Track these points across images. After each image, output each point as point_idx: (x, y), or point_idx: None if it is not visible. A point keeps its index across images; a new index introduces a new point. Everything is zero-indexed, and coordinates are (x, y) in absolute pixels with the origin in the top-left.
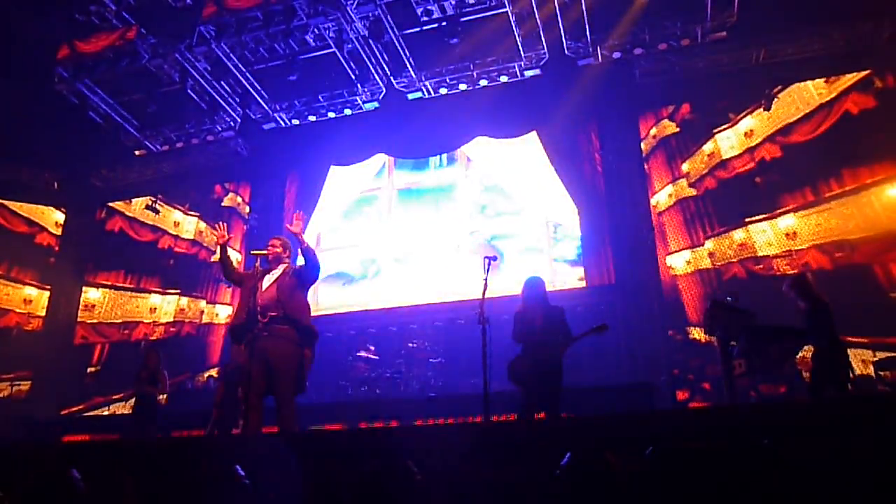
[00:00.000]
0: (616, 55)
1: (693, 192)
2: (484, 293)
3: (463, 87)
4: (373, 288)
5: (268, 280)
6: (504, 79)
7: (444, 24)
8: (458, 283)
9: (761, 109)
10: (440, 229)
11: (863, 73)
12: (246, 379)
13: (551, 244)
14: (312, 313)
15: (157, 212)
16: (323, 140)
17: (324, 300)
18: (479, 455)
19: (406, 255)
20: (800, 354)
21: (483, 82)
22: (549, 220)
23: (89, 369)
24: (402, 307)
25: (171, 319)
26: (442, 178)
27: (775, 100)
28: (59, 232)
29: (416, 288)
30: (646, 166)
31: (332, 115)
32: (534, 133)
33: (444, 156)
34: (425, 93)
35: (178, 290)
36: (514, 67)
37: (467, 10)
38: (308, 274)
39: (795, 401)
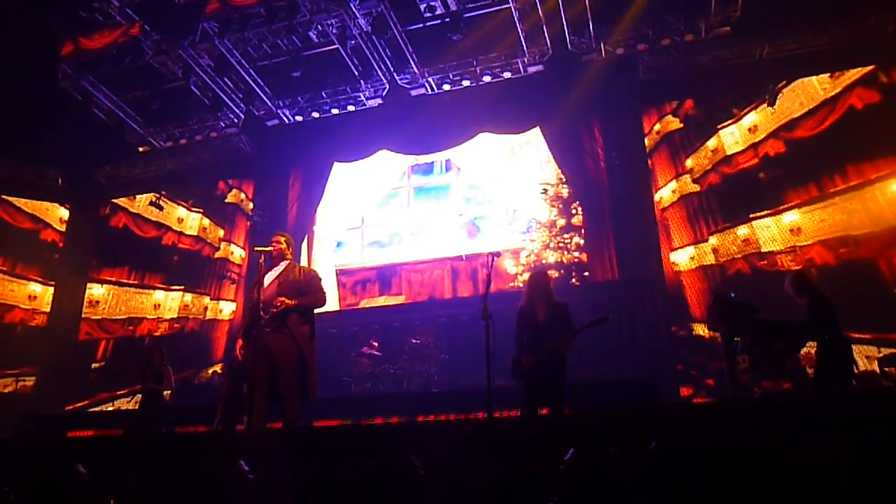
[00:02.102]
0: (619, 50)
1: (697, 187)
2: (487, 289)
3: (466, 83)
4: (397, 250)
5: (270, 276)
6: (507, 75)
7: (446, 19)
8: (451, 246)
9: (765, 105)
10: (440, 213)
11: (867, 68)
12: (250, 375)
13: (510, 222)
14: (359, 266)
15: (160, 208)
16: (326, 136)
17: (366, 258)
18: (482, 450)
19: (418, 229)
20: (804, 350)
21: (486, 78)
22: (509, 207)
23: (94, 365)
24: (404, 305)
25: (176, 316)
26: (442, 180)
27: (779, 95)
28: (63, 228)
29: (423, 250)
30: (649, 162)
31: (335, 111)
32: (509, 144)
33: (443, 164)
34: (428, 89)
35: (183, 287)
36: (518, 63)
37: (470, 5)
38: (316, 304)
39: (799, 397)
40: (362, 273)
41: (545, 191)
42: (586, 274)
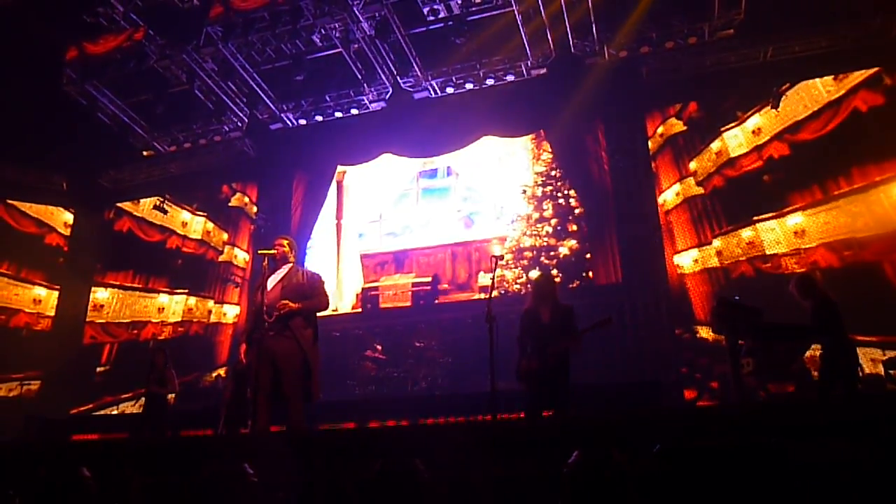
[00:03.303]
0: (622, 53)
1: (700, 190)
2: (491, 291)
3: (469, 86)
4: (408, 238)
5: (273, 279)
6: (510, 78)
7: (450, 23)
8: (451, 235)
9: (769, 107)
10: (442, 209)
11: (872, 70)
12: (253, 378)
13: (498, 216)
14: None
15: (165, 212)
16: (330, 140)
17: (384, 245)
18: (486, 453)
19: (425, 222)
20: (808, 353)
21: (490, 81)
22: (497, 204)
23: (98, 369)
24: (408, 308)
25: (180, 319)
26: (444, 183)
27: (783, 97)
28: (67, 232)
29: (429, 238)
30: (653, 165)
31: (338, 114)
32: (497, 154)
33: (445, 170)
34: (432, 92)
35: (186, 290)
36: (521, 66)
37: (473, 9)
38: (319, 308)
39: (804, 400)
40: (381, 257)
41: (524, 191)
42: (552, 253)
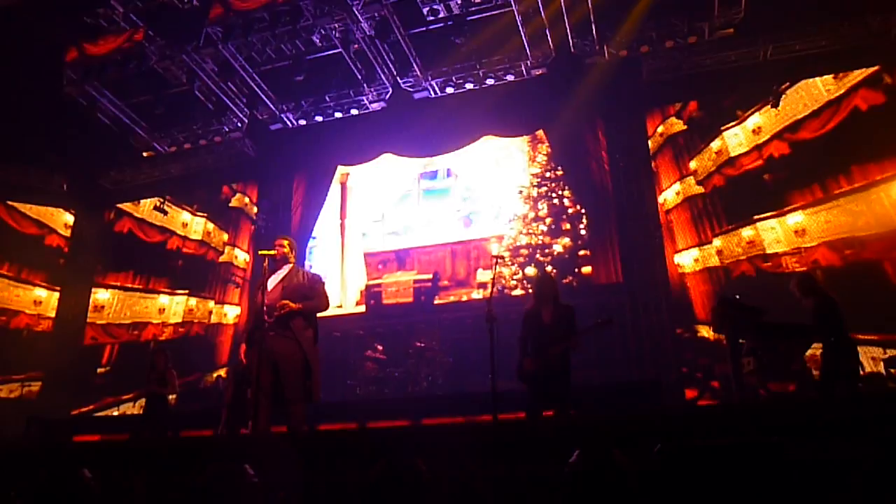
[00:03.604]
0: (622, 53)
1: (701, 189)
2: (492, 291)
3: (469, 86)
4: (409, 238)
5: (273, 280)
6: (510, 77)
7: (450, 23)
8: (450, 234)
9: (769, 106)
10: (443, 209)
11: (872, 69)
12: (254, 379)
13: (496, 216)
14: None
15: (165, 213)
16: (330, 140)
17: (386, 244)
18: (487, 454)
19: (426, 222)
20: (809, 352)
21: (489, 81)
22: (495, 204)
23: (99, 370)
24: (409, 305)
25: (180, 320)
26: (444, 184)
27: (783, 96)
28: (68, 233)
29: (430, 237)
30: (653, 164)
31: (338, 115)
32: (495, 156)
33: (445, 172)
34: (432, 92)
35: (187, 291)
36: (521, 66)
37: (473, 9)
38: (319, 308)
39: (804, 399)
40: (383, 255)
41: (521, 192)
42: (547, 251)
